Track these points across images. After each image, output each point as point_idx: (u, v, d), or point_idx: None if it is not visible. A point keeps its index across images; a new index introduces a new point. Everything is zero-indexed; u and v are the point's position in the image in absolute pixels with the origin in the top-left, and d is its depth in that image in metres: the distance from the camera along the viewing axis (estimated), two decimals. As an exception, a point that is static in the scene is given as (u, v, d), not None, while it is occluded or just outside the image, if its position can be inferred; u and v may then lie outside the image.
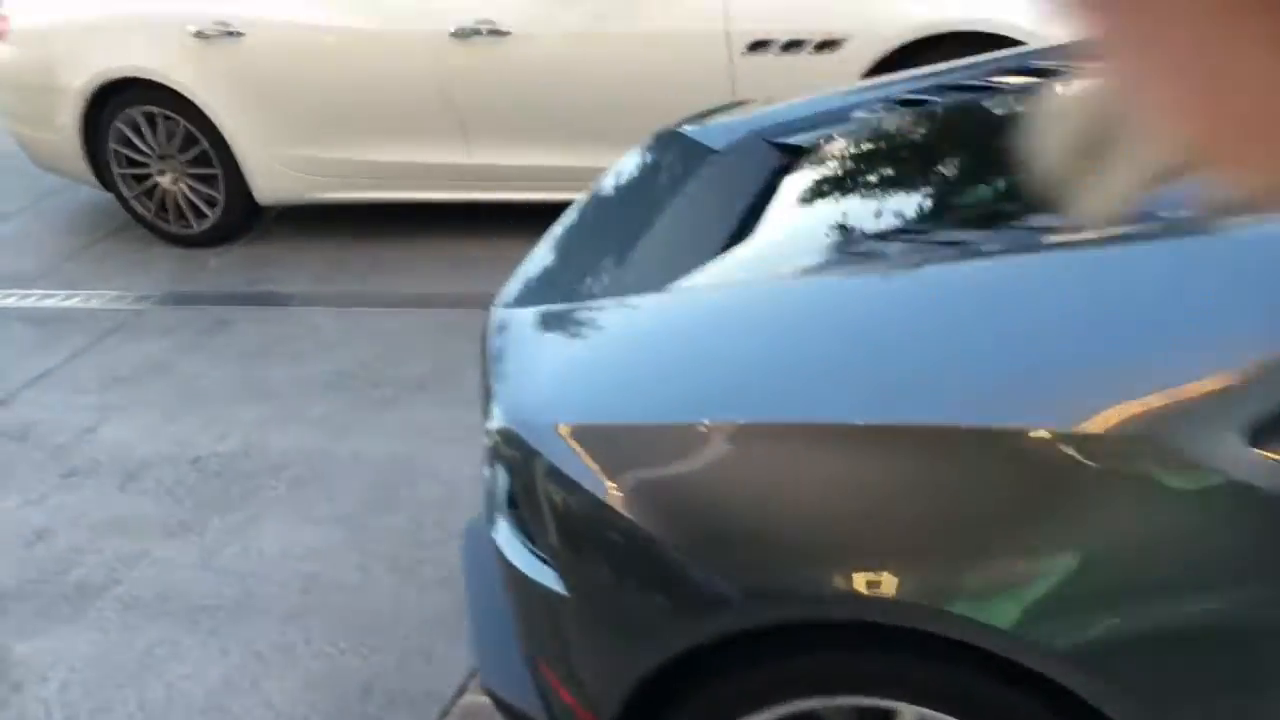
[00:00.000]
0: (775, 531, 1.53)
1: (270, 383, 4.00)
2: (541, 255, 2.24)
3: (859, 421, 1.49)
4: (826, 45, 3.94)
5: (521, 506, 1.76)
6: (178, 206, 5.09)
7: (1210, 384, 1.30)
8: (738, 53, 4.05)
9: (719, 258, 2.02)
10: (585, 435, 1.66)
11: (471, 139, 4.53)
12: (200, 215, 5.08)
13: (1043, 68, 2.49)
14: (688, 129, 2.73)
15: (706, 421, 1.58)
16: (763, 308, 1.74)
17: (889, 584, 1.44)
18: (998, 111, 2.42)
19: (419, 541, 3.05)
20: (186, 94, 4.81)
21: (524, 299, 2.02)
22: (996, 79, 2.53)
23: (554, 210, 4.54)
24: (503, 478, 1.83)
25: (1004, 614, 1.38)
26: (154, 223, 5.18)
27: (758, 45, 4.02)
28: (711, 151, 2.62)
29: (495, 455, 1.82)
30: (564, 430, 1.68)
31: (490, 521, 1.90)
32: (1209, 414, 1.29)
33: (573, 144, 4.40)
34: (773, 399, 1.56)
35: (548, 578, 1.71)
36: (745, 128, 2.67)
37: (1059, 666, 1.39)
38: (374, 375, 3.93)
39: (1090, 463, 1.33)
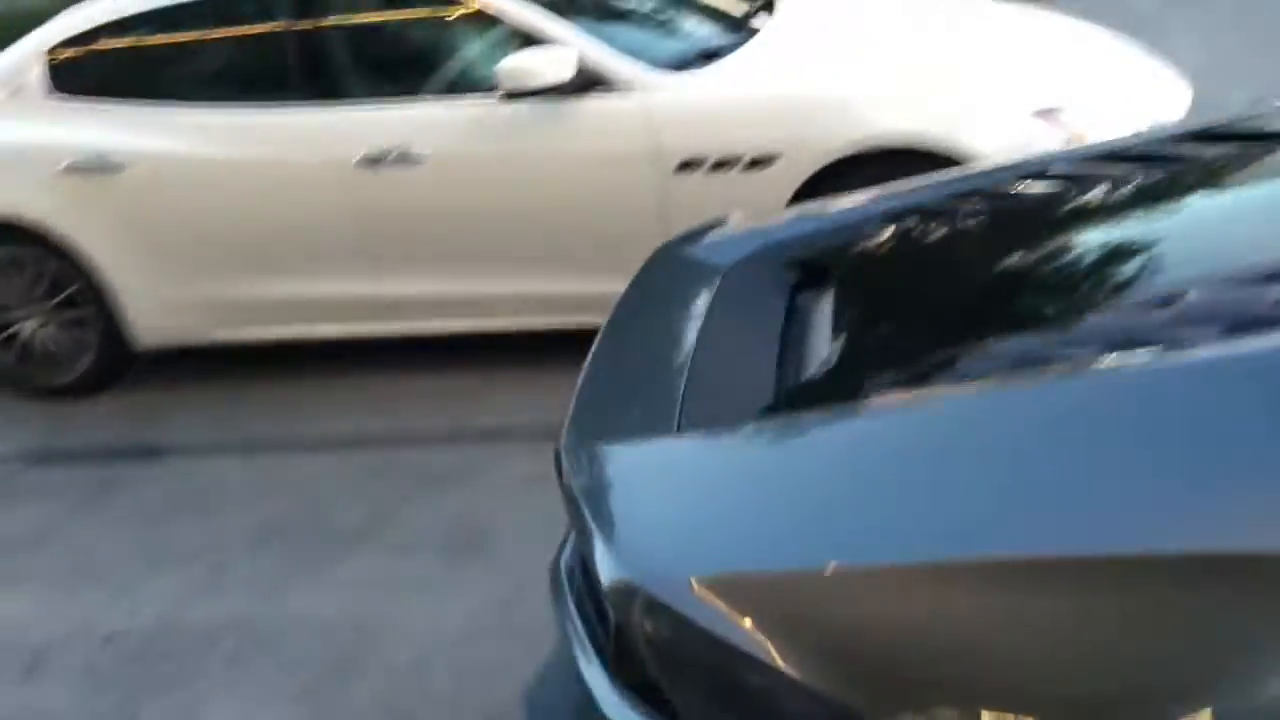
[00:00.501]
0: (978, 681, 1.36)
1: (179, 545, 3.60)
2: (591, 387, 2.04)
3: (1025, 554, 1.35)
4: (757, 163, 3.89)
5: (651, 668, 1.53)
6: (45, 355, 4.65)
7: None
8: (667, 172, 3.97)
9: (791, 387, 1.88)
10: (731, 588, 1.47)
11: (383, 269, 4.29)
12: (70, 363, 4.65)
13: (1053, 171, 2.46)
14: (689, 247, 2.60)
15: (873, 563, 1.42)
16: (890, 435, 1.59)
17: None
18: (1014, 215, 2.37)
19: (400, 714, 2.73)
20: (56, 234, 4.42)
21: (602, 435, 1.82)
22: (1004, 186, 2.50)
23: (477, 342, 4.33)
24: (610, 635, 1.61)
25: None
26: (16, 374, 4.72)
27: (687, 165, 3.95)
28: (719, 270, 2.49)
29: (603, 610, 1.60)
30: (704, 583, 1.47)
31: (586, 690, 1.67)
32: None
33: (496, 271, 4.21)
34: (933, 533, 1.41)
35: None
36: (751, 243, 2.55)
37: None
38: (301, 528, 3.59)
39: None
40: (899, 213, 2.48)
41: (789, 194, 3.90)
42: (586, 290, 4.13)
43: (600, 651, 1.68)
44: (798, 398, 1.83)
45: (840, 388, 1.81)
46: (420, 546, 3.37)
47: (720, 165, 3.93)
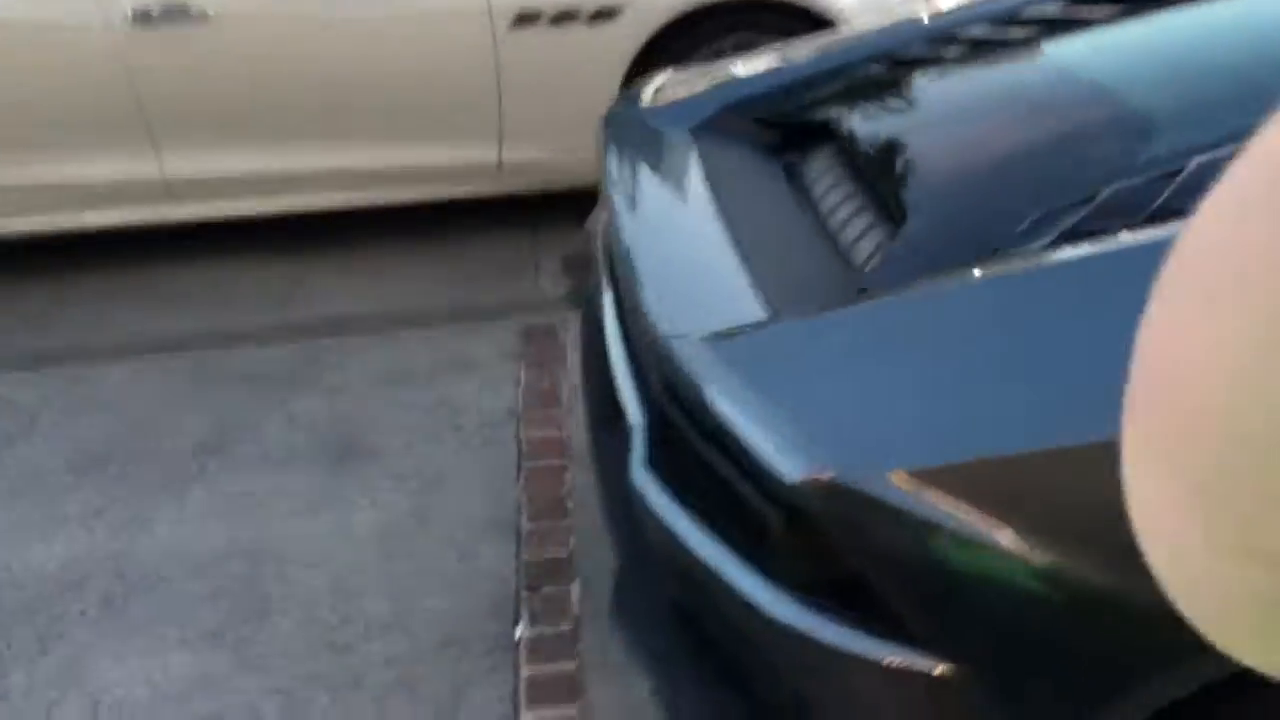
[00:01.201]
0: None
1: (-20, 481, 3.06)
2: (655, 278, 1.81)
3: None
4: (601, 15, 3.64)
5: (860, 574, 1.39)
6: None
7: None
8: (501, 29, 3.64)
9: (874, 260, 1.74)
10: (948, 478, 1.34)
11: (164, 148, 3.73)
12: None
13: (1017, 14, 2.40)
14: (643, 115, 2.37)
15: (1084, 439, 1.33)
16: (1047, 298, 1.49)
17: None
18: (981, 56, 2.30)
19: (336, 647, 2.45)
20: None
21: (718, 328, 1.61)
22: (961, 32, 2.41)
23: (291, 226, 3.89)
24: (794, 545, 1.45)
25: None
26: None
27: (524, 19, 3.64)
28: (688, 137, 2.29)
29: (781, 513, 1.43)
30: (910, 475, 1.34)
31: (737, 595, 1.50)
32: None
33: (304, 145, 3.75)
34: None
35: (909, 657, 1.37)
36: (708, 106, 2.36)
37: None
38: (134, 449, 3.12)
39: None
40: (855, 65, 2.36)
41: (634, 51, 3.69)
42: (413, 162, 3.78)
43: (754, 557, 1.51)
44: (894, 269, 1.70)
45: (932, 254, 1.69)
46: (290, 459, 3.02)
47: (561, 19, 3.64)
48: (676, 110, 2.37)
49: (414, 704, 2.29)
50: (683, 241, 1.91)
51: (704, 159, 2.20)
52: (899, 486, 1.35)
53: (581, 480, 2.87)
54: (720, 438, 1.50)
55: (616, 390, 1.97)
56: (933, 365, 1.47)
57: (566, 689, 2.32)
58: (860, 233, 1.88)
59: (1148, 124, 1.86)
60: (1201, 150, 1.68)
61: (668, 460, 1.70)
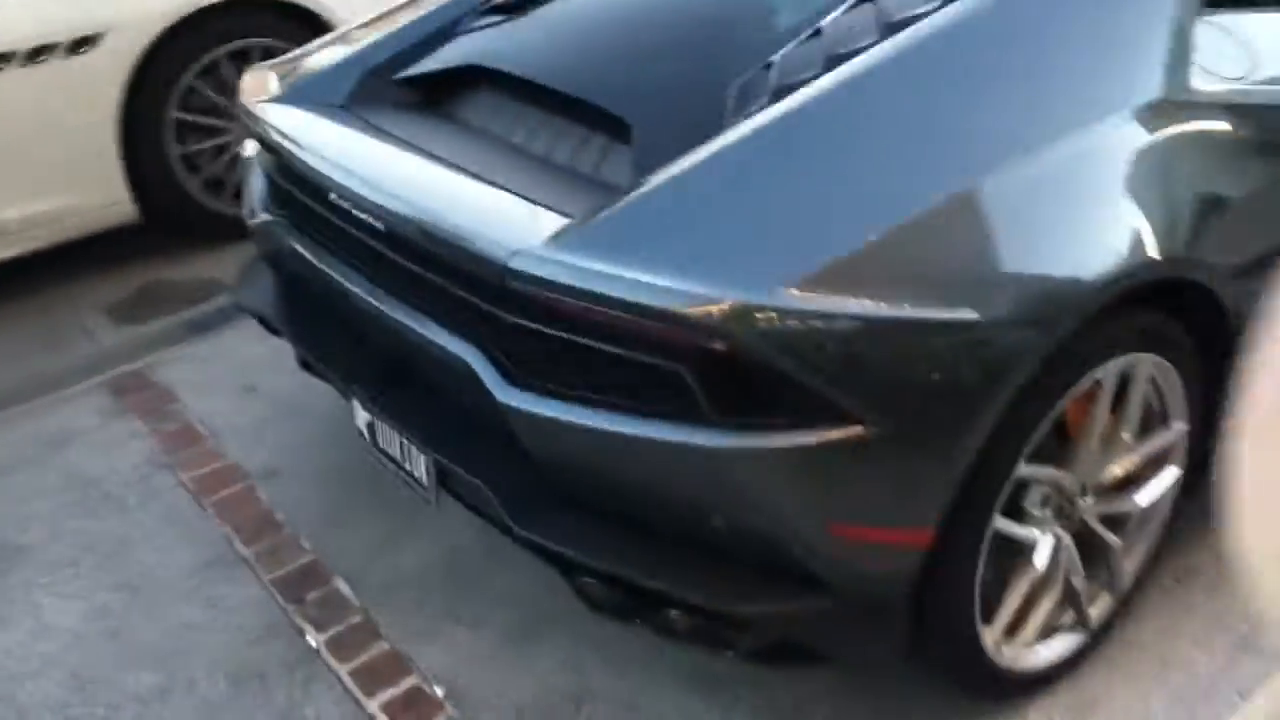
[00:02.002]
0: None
1: None
2: (437, 225, 1.89)
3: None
4: (82, 44, 3.40)
5: (776, 380, 1.63)
6: None
7: None
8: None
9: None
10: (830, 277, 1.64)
11: None
12: None
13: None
14: (290, 96, 2.36)
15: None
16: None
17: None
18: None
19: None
20: None
21: (542, 240, 1.75)
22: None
23: None
24: (710, 381, 1.65)
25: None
26: None
27: (-3, 61, 3.31)
28: (341, 105, 2.35)
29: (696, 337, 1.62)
30: (808, 281, 1.62)
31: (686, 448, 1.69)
32: None
33: None
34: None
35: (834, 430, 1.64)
36: (353, 72, 2.42)
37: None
38: None
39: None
40: (476, 10, 2.54)
41: (126, 75, 3.51)
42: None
43: (666, 411, 1.69)
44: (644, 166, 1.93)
45: (667, 146, 1.93)
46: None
47: (35, 56, 3.36)
48: (319, 85, 2.40)
49: (254, 742, 2.18)
50: (433, 190, 2.00)
51: (383, 120, 2.28)
52: (793, 294, 1.62)
53: (281, 490, 2.79)
54: (613, 314, 1.67)
55: (401, 348, 2.04)
56: (753, 198, 1.75)
57: (394, 666, 2.32)
58: (591, 150, 2.09)
59: (770, 5, 2.26)
60: (825, 12, 2.11)
61: (532, 372, 1.82)
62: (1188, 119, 1.94)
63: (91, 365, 3.37)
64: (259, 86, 2.44)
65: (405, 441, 2.17)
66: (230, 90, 3.72)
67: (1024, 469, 1.83)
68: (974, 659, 1.94)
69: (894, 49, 1.89)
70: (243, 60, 3.71)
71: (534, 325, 1.78)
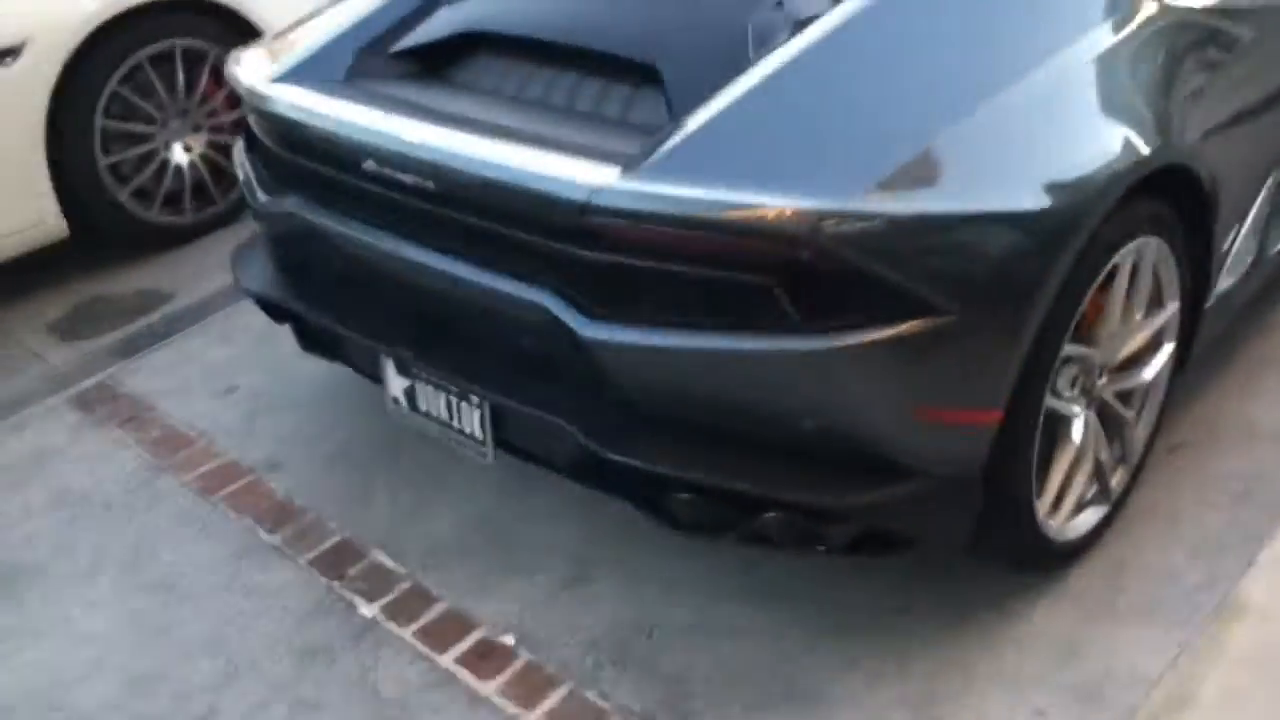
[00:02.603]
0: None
1: None
2: (509, 174, 1.95)
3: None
4: (4, 56, 3.30)
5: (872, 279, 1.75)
6: None
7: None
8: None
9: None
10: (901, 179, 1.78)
11: None
12: None
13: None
14: (293, 75, 2.37)
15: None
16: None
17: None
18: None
19: (194, 715, 2.21)
20: None
21: (617, 174, 1.83)
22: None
23: None
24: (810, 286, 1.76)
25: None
26: None
27: (-85, 80, 3.18)
28: (339, 83, 2.37)
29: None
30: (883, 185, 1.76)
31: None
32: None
33: None
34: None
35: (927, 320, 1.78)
36: (347, 49, 2.44)
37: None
38: None
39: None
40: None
41: (50, 85, 3.42)
42: None
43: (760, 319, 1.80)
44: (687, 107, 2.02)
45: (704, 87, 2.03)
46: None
47: (-42, 70, 3.25)
48: (317, 64, 2.41)
49: (340, 711, 2.19)
50: (480, 146, 2.04)
51: (393, 90, 2.32)
52: (869, 198, 1.75)
53: (291, 479, 2.78)
54: (701, 235, 1.77)
55: (452, 306, 2.10)
56: (815, 116, 1.88)
57: (457, 623, 2.36)
58: (614, 99, 2.18)
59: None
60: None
61: (614, 305, 1.90)
62: (1166, 27, 2.16)
63: (48, 385, 3.27)
64: (254, 69, 2.44)
65: (454, 398, 2.22)
66: (153, 94, 3.66)
67: (1068, 348, 2.01)
68: (1032, 532, 2.11)
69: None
70: (166, 63, 3.65)
71: (616, 259, 1.86)
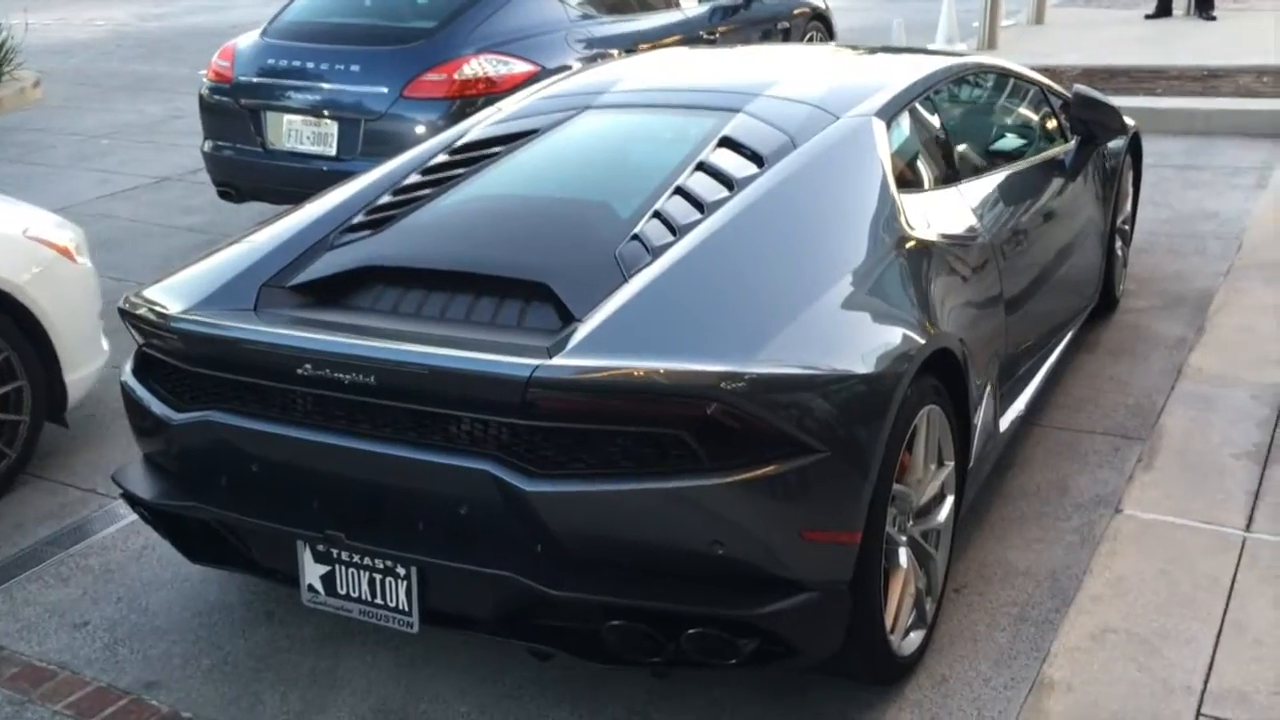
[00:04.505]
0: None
1: None
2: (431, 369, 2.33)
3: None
4: None
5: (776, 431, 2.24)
6: None
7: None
8: None
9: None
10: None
11: None
12: None
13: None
14: (194, 303, 2.66)
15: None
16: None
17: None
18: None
19: None
20: None
21: (541, 359, 2.27)
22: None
23: None
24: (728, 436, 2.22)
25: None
26: None
27: None
28: (241, 328, 2.64)
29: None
30: (768, 360, 2.29)
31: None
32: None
33: None
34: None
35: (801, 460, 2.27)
36: (246, 285, 2.75)
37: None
38: None
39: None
40: (353, 216, 2.99)
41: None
42: None
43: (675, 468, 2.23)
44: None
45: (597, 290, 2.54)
46: None
47: None
48: (223, 297, 2.70)
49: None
50: (410, 347, 2.40)
51: (305, 314, 2.64)
52: (760, 362, 2.27)
53: (171, 694, 2.81)
54: (623, 400, 2.21)
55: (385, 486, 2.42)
56: (707, 305, 2.41)
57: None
58: (508, 310, 2.60)
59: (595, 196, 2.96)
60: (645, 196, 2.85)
61: (550, 464, 2.28)
62: (917, 249, 2.88)
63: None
64: (162, 305, 2.70)
65: (378, 575, 2.48)
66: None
67: (896, 486, 2.55)
68: (883, 644, 2.57)
69: (744, 203, 2.68)
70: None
71: (554, 424, 2.26)
